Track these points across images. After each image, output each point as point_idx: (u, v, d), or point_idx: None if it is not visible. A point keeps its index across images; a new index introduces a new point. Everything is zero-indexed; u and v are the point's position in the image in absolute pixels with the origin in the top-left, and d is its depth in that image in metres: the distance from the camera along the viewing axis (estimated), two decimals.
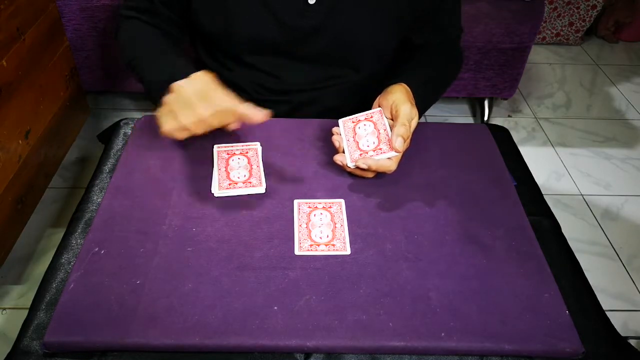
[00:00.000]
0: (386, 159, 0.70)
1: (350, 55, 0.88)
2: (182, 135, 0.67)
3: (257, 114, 0.67)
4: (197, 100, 0.66)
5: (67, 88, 1.54)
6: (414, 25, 0.89)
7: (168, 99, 0.68)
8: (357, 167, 0.70)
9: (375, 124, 0.73)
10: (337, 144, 0.73)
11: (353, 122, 0.74)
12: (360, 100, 0.92)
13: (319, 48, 0.85)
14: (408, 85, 0.77)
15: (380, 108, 0.75)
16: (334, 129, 0.74)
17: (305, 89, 0.91)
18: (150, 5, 0.85)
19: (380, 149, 0.70)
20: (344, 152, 0.72)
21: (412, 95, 0.75)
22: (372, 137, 0.71)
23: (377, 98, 0.78)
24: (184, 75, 0.70)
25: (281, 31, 0.83)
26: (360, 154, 0.70)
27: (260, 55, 0.87)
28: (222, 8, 0.81)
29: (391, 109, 0.73)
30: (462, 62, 0.97)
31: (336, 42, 0.85)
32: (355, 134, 0.72)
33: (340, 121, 0.74)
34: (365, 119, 0.74)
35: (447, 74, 0.93)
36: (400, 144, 0.69)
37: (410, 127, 0.71)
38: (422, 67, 0.86)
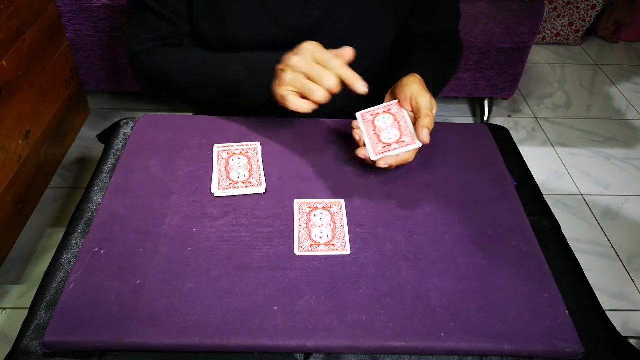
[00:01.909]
0: (405, 151, 0.70)
1: (359, 45, 0.88)
2: (309, 106, 0.69)
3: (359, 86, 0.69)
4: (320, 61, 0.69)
5: (67, 88, 1.54)
6: (414, 15, 0.89)
7: (292, 61, 0.69)
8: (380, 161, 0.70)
9: (394, 116, 0.72)
10: (358, 138, 0.72)
11: (372, 115, 0.73)
12: (365, 96, 0.92)
13: (325, 44, 0.85)
14: (420, 76, 0.77)
15: (397, 100, 0.74)
16: (354, 123, 0.73)
17: None
18: (173, 28, 0.83)
19: (403, 141, 0.70)
20: (364, 145, 0.71)
21: (425, 85, 0.76)
22: (393, 129, 0.71)
23: (390, 90, 0.78)
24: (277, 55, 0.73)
25: (282, 32, 0.83)
26: (384, 147, 0.70)
27: None
28: (221, 14, 0.81)
29: (410, 101, 0.72)
30: (463, 49, 0.98)
31: (338, 37, 0.85)
32: (375, 127, 0.72)
33: (359, 114, 0.74)
34: (384, 111, 0.73)
35: (453, 62, 0.94)
36: (427, 136, 0.69)
37: (433, 117, 0.71)
38: (429, 56, 0.87)
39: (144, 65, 0.85)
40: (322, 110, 0.92)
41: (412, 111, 0.72)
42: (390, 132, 0.71)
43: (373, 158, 0.69)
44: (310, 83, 0.68)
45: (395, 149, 0.69)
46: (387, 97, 0.78)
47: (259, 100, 0.76)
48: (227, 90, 0.80)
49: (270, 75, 0.72)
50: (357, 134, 0.72)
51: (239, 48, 0.85)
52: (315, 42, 0.70)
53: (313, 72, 0.68)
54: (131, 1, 0.84)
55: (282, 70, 0.70)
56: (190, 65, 0.82)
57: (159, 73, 0.84)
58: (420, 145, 0.69)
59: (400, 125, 0.71)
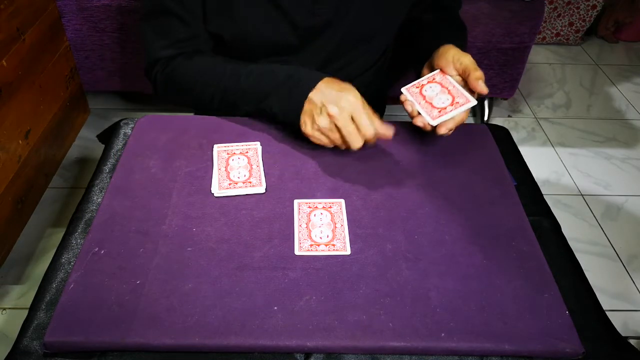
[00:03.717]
0: (463, 111, 0.71)
1: (364, 42, 0.89)
2: (322, 138, 0.72)
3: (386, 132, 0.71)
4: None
5: (67, 88, 1.54)
6: (419, 5, 0.91)
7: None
8: (438, 125, 0.71)
9: (440, 83, 0.74)
10: (410, 109, 0.73)
11: (417, 87, 0.75)
12: (378, 84, 0.93)
13: (334, 42, 0.86)
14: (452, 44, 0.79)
15: (438, 70, 0.76)
16: (402, 97, 0.75)
17: None
18: (189, 30, 0.83)
19: (458, 102, 0.72)
20: (418, 114, 0.72)
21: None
22: (443, 95, 0.73)
23: (427, 64, 0.80)
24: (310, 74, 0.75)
25: (294, 31, 0.83)
26: (439, 111, 0.71)
27: (275, 56, 0.87)
28: (233, 14, 0.81)
29: (453, 63, 0.74)
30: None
31: (347, 35, 0.86)
32: (425, 96, 0.73)
33: (404, 89, 0.76)
34: (429, 82, 0.75)
35: (465, 40, 0.95)
36: (483, 85, 0.71)
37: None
38: (449, 33, 0.89)
39: (163, 76, 0.85)
40: None
41: (458, 74, 0.74)
42: (442, 97, 0.73)
43: (432, 123, 0.71)
44: (339, 140, 0.71)
45: (451, 110, 0.71)
46: (425, 70, 0.80)
47: (278, 115, 0.78)
48: (250, 108, 0.81)
49: (302, 100, 0.74)
50: (408, 105, 0.73)
51: (250, 47, 0.86)
52: (357, 95, 0.71)
53: (346, 131, 0.70)
54: (147, 7, 0.84)
55: (319, 109, 0.71)
56: (214, 80, 0.82)
57: (179, 87, 0.85)
58: (475, 102, 0.71)
59: (449, 90, 0.73)
